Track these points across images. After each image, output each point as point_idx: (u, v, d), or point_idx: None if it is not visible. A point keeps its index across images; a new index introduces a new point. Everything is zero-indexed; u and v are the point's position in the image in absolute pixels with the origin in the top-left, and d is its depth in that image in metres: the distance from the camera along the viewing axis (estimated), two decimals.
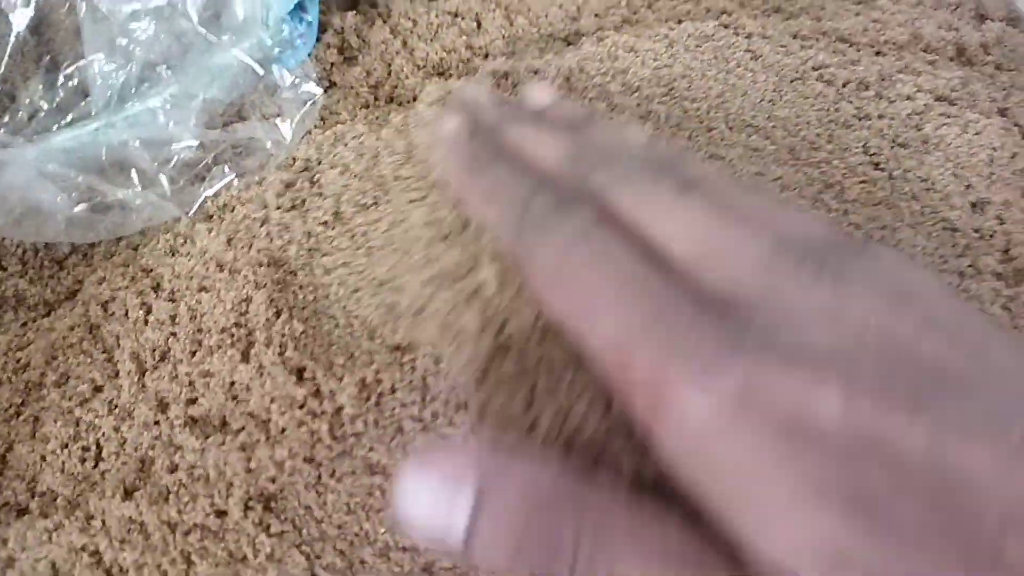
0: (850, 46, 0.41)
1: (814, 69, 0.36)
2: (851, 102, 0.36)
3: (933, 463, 0.15)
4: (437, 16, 0.45)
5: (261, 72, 0.38)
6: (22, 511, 0.28)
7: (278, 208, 0.32)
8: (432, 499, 0.18)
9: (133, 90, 0.37)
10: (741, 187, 0.21)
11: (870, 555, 0.15)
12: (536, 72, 0.38)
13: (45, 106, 0.38)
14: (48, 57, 0.39)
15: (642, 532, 0.18)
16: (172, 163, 0.36)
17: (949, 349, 0.17)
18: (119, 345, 0.31)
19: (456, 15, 0.45)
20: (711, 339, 0.17)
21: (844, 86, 0.37)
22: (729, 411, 0.16)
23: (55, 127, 0.37)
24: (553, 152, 0.23)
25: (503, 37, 0.44)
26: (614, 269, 0.19)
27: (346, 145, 0.35)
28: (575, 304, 0.19)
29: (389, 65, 0.43)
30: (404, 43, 0.44)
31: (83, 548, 0.26)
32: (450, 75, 0.43)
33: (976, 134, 0.36)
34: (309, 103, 0.38)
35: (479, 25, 0.45)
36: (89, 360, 0.32)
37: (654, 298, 0.19)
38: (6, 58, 0.38)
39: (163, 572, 0.26)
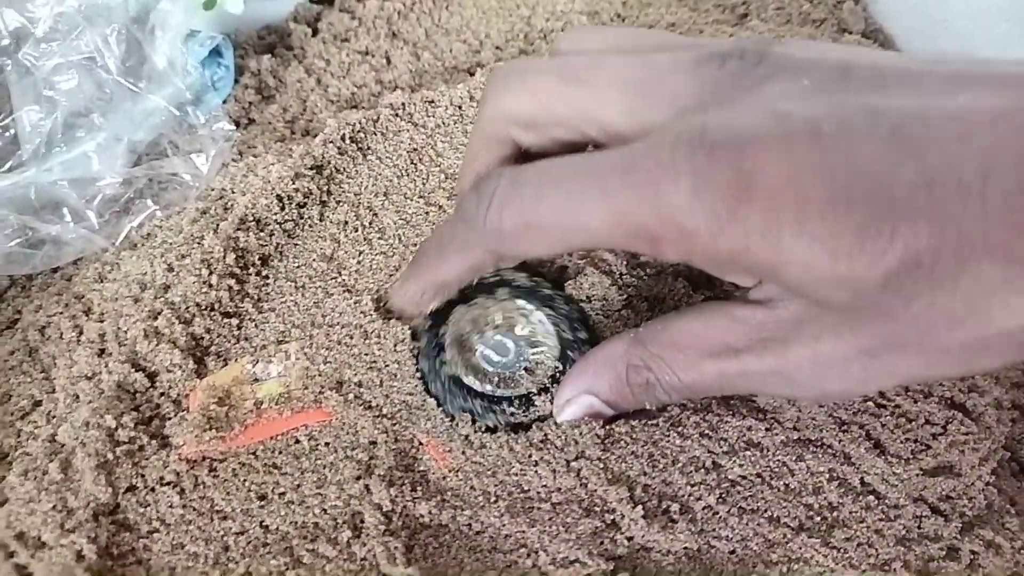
0: None
1: None
2: None
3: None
4: (348, 55, 0.49)
5: (179, 115, 0.41)
6: None
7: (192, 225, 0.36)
8: (580, 412, 0.30)
9: (60, 136, 0.40)
10: None
11: None
12: (431, 102, 0.42)
13: None
14: None
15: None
16: (98, 199, 0.39)
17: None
18: (55, 364, 0.34)
19: (367, 53, 0.49)
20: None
21: None
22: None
23: None
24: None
25: (410, 71, 0.48)
26: (559, 187, 0.24)
27: (257, 175, 0.38)
28: (564, 239, 0.25)
29: (304, 102, 0.47)
30: (318, 81, 0.48)
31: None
32: (362, 107, 0.47)
33: None
34: (224, 139, 0.41)
35: (388, 61, 0.49)
36: (29, 379, 0.35)
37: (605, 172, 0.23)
38: None
39: None
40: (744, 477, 0.31)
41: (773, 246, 0.21)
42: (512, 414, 0.31)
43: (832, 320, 0.23)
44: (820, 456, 0.31)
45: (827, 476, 0.31)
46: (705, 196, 0.21)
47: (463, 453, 0.30)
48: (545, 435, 0.31)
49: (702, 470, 0.30)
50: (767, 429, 0.32)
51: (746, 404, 0.32)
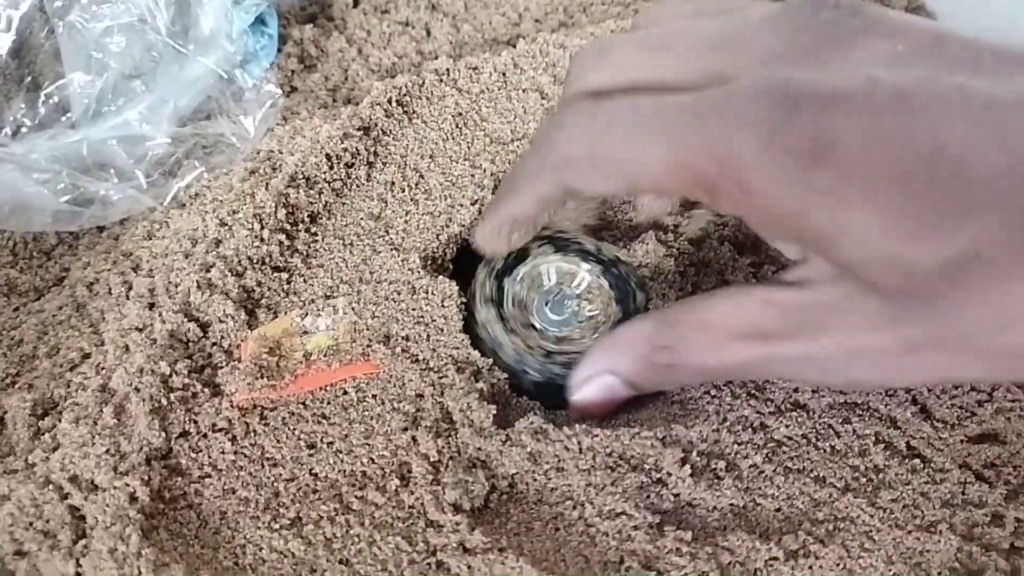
0: None
1: None
2: None
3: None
4: (389, 26, 0.49)
5: (226, 79, 0.42)
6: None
7: (242, 183, 0.36)
8: (597, 393, 0.29)
9: (110, 98, 0.40)
10: None
11: None
12: (475, 68, 0.42)
13: (28, 123, 0.41)
14: (29, 78, 0.43)
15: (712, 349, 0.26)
16: (147, 159, 0.39)
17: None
18: (104, 318, 0.35)
19: (407, 24, 0.50)
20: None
21: None
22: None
23: (39, 141, 0.41)
24: None
25: (450, 43, 0.49)
26: (629, 122, 0.23)
27: (304, 136, 0.38)
28: (615, 169, 0.24)
29: (346, 71, 0.47)
30: (359, 51, 0.48)
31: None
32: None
33: None
34: (270, 103, 0.42)
35: (428, 33, 0.49)
36: (77, 333, 0.35)
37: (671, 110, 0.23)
38: None
39: None
40: (790, 438, 0.31)
41: (835, 213, 0.20)
42: (566, 370, 0.31)
43: (874, 308, 0.22)
44: (866, 419, 0.31)
45: (873, 439, 0.31)
46: (776, 151, 0.20)
47: (507, 414, 0.31)
48: None
49: (749, 429, 0.31)
50: (813, 391, 0.32)
51: None
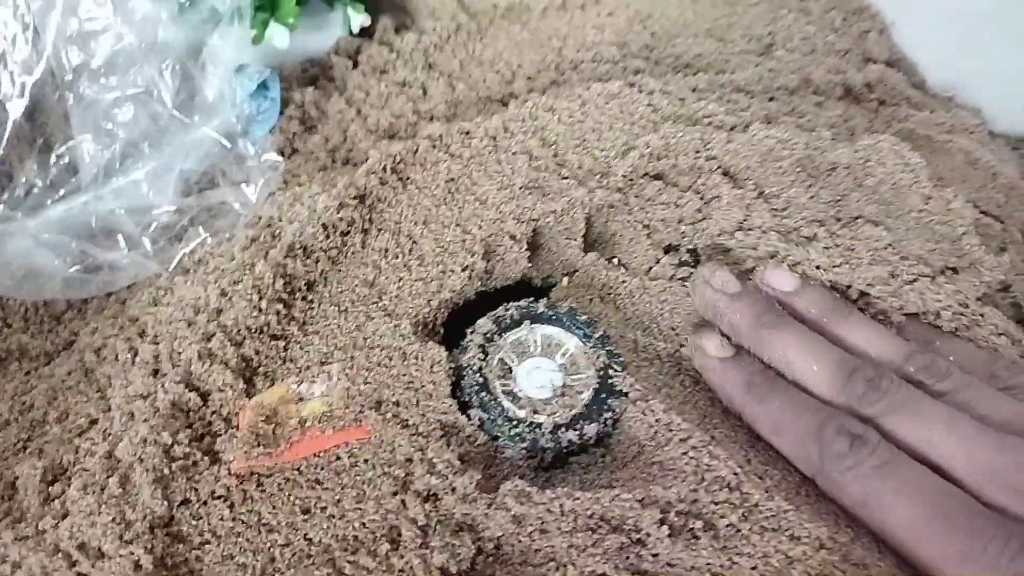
0: (744, 94, 0.47)
1: (705, 117, 0.42)
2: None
3: None
4: (387, 87, 0.51)
5: (229, 145, 0.44)
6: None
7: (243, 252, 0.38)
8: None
9: (118, 165, 0.42)
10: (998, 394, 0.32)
11: None
12: (467, 133, 0.43)
13: (39, 183, 0.43)
14: (41, 140, 0.44)
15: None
16: (153, 227, 0.41)
17: None
18: (111, 384, 0.37)
19: (404, 84, 0.51)
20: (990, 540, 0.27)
21: (732, 129, 0.42)
22: None
23: (49, 202, 0.43)
24: (817, 381, 0.33)
25: (446, 102, 0.50)
26: (920, 496, 0.28)
27: (302, 204, 0.40)
28: (890, 526, 0.29)
29: (345, 132, 0.49)
30: (358, 112, 0.50)
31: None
32: (399, 137, 0.49)
33: None
34: (271, 169, 0.43)
35: (425, 92, 0.51)
36: (86, 399, 0.37)
37: (958, 517, 0.28)
38: (4, 142, 0.43)
39: None
40: (767, 496, 0.32)
41: None
42: (544, 440, 0.33)
43: None
44: None
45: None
46: None
47: (493, 477, 0.32)
48: (571, 466, 0.33)
49: (725, 489, 0.32)
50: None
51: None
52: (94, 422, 0.36)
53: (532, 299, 0.37)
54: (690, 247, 0.39)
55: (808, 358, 0.33)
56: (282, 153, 0.47)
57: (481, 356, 0.34)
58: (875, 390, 0.31)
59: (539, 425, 0.33)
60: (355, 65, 0.52)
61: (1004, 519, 0.27)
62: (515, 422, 0.33)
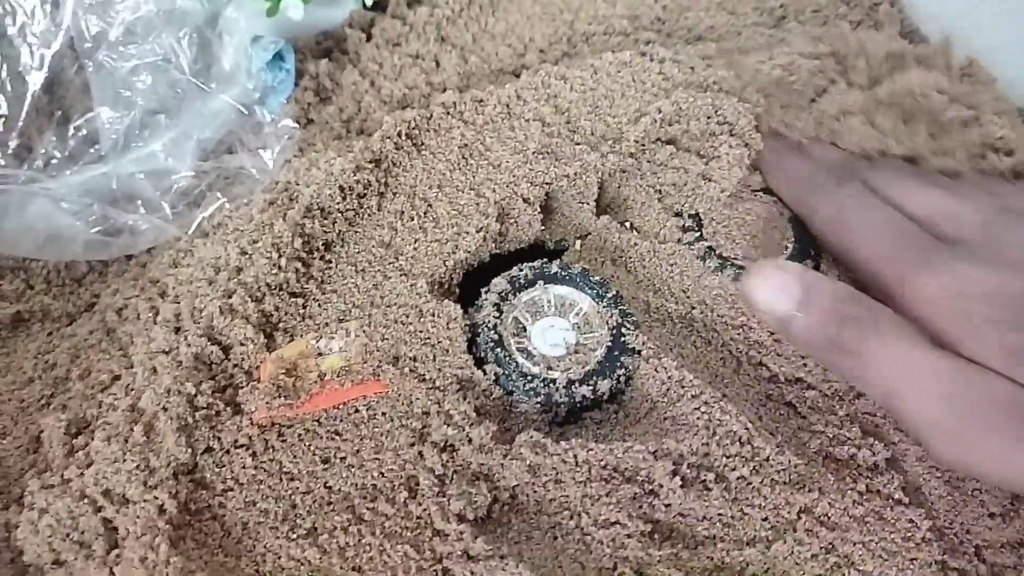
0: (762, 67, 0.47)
1: (714, 83, 0.42)
2: None
3: None
4: (400, 59, 0.51)
5: (246, 113, 0.44)
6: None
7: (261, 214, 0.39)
8: (774, 290, 0.31)
9: (137, 132, 0.43)
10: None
11: None
12: (480, 101, 0.44)
13: (58, 155, 0.44)
14: (60, 112, 0.45)
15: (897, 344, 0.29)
16: (172, 191, 0.42)
17: None
18: (132, 342, 0.37)
19: (417, 57, 0.52)
20: (941, 254, 0.31)
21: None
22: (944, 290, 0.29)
23: (68, 172, 0.43)
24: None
25: (458, 74, 0.51)
26: (878, 217, 0.33)
27: (319, 168, 0.41)
28: (848, 238, 0.34)
29: (359, 103, 0.50)
30: (372, 83, 0.50)
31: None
32: (412, 107, 0.49)
33: None
34: (287, 136, 0.44)
35: (437, 64, 0.52)
36: (108, 356, 0.38)
37: (905, 234, 0.32)
38: (23, 115, 0.43)
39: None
40: (778, 450, 0.32)
41: None
42: (558, 395, 0.33)
43: None
44: (852, 426, 0.33)
45: (857, 447, 0.33)
46: None
47: (509, 430, 0.33)
48: (584, 421, 0.33)
49: (737, 443, 0.32)
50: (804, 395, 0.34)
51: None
52: (116, 378, 0.37)
53: (546, 260, 0.37)
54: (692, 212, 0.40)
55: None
56: (298, 123, 0.48)
57: (496, 314, 0.35)
58: (867, 166, 0.37)
59: (553, 380, 0.34)
60: (368, 38, 0.53)
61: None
62: (529, 377, 0.34)
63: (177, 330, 0.36)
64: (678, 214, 0.41)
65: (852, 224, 0.34)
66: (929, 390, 0.28)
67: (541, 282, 0.36)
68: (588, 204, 0.41)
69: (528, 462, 0.31)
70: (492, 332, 0.35)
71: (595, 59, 0.45)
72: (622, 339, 0.35)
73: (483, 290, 0.36)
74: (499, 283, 0.36)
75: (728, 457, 0.32)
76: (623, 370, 0.34)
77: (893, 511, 0.31)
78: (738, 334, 0.37)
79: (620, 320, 0.35)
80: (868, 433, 0.34)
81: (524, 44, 0.52)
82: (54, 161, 0.44)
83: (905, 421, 0.30)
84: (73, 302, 0.41)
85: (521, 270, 0.37)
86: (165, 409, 0.32)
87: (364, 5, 0.54)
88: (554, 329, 0.35)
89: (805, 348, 0.34)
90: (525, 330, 0.35)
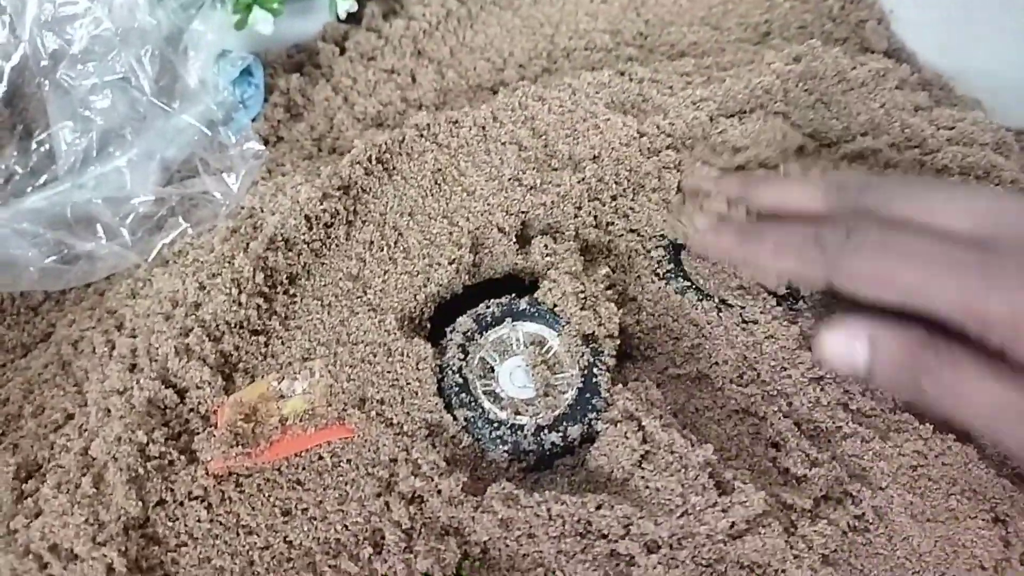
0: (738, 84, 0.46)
1: (693, 103, 0.41)
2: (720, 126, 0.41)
3: None
4: (375, 74, 0.50)
5: (209, 133, 0.42)
6: None
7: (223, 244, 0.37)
8: (842, 348, 0.29)
9: (95, 154, 0.41)
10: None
11: None
12: (455, 123, 0.42)
13: (19, 170, 0.42)
14: (21, 126, 0.43)
15: (979, 383, 0.27)
16: (131, 217, 0.40)
17: None
18: (88, 378, 0.36)
19: (392, 71, 0.50)
20: (996, 270, 0.27)
21: (731, 116, 0.41)
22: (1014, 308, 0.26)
23: (29, 189, 0.41)
24: (811, 200, 0.33)
25: (435, 90, 0.49)
26: (911, 251, 0.29)
27: (285, 194, 0.39)
28: (892, 287, 0.29)
29: (331, 120, 0.48)
30: (345, 99, 0.49)
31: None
32: (387, 125, 0.48)
33: None
34: (254, 158, 0.42)
35: (413, 79, 0.50)
36: (62, 392, 0.36)
37: (950, 262, 0.28)
38: None
39: None
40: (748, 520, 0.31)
41: None
42: (526, 443, 0.32)
43: None
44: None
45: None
46: None
47: (480, 479, 0.31)
48: (557, 468, 0.32)
49: (714, 517, 0.31)
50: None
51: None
52: (70, 417, 0.35)
53: (514, 296, 0.36)
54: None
55: (796, 186, 0.34)
56: (266, 141, 0.46)
57: (461, 356, 0.34)
58: (869, 186, 0.32)
59: (521, 427, 0.32)
60: (342, 51, 0.51)
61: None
62: (496, 424, 0.32)
63: (133, 367, 0.34)
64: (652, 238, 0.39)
65: (888, 272, 0.29)
66: (1018, 431, 0.27)
67: (509, 319, 0.35)
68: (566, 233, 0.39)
69: (500, 516, 0.30)
70: (457, 376, 0.33)
71: (573, 78, 0.43)
72: (594, 380, 0.33)
73: (448, 330, 0.35)
74: (464, 322, 0.35)
75: (706, 535, 0.30)
76: (594, 413, 0.33)
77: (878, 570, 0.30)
78: (728, 370, 0.35)
79: (592, 360, 0.34)
80: (855, 478, 0.32)
81: (503, 58, 0.51)
82: (15, 176, 0.42)
83: (1014, 457, 0.31)
84: (28, 332, 0.40)
85: (488, 307, 0.35)
86: (115, 459, 0.31)
87: (338, 17, 0.52)
88: (522, 369, 0.34)
89: (899, 397, 0.34)
90: (493, 371, 0.34)
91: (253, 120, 0.47)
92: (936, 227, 0.29)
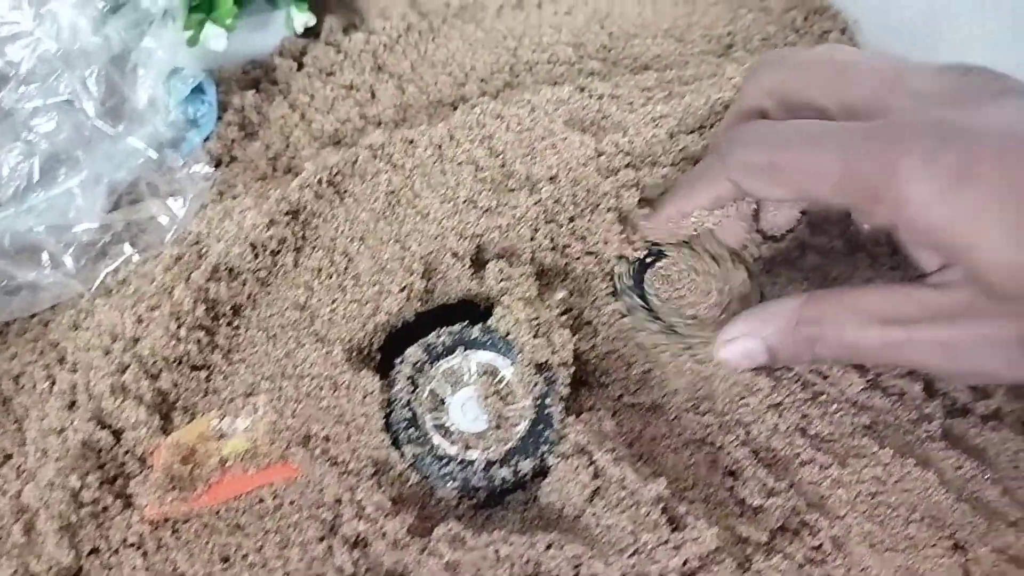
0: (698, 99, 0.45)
1: (652, 120, 0.40)
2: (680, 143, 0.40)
3: None
4: (333, 90, 0.48)
5: (155, 156, 0.41)
6: None
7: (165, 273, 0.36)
8: (739, 355, 0.32)
9: (38, 178, 0.40)
10: None
11: None
12: (411, 142, 0.41)
13: None
14: None
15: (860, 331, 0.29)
16: (75, 244, 0.39)
17: None
18: (28, 415, 0.34)
19: (351, 87, 0.49)
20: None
21: (691, 133, 0.40)
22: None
23: None
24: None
25: (395, 106, 0.48)
26: (806, 132, 0.29)
27: (232, 220, 0.38)
28: (790, 177, 0.29)
29: (287, 138, 0.47)
30: (302, 116, 0.48)
31: None
32: (345, 143, 0.46)
33: None
34: (203, 180, 0.41)
35: (373, 95, 0.49)
36: (2, 430, 0.35)
37: (843, 134, 0.28)
38: None
39: None
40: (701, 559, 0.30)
41: (973, 227, 0.25)
42: (476, 479, 0.31)
43: (998, 309, 0.26)
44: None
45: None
46: (932, 170, 0.25)
47: (428, 519, 0.30)
48: (508, 504, 0.31)
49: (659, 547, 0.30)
50: None
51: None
52: (8, 457, 0.34)
53: (467, 323, 0.34)
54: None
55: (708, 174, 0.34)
56: (220, 162, 0.45)
57: (410, 389, 0.32)
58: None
59: (471, 463, 0.31)
60: (300, 67, 0.50)
61: None
62: (445, 460, 0.31)
63: (72, 405, 0.33)
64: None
65: (774, 156, 0.30)
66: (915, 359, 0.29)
67: (461, 348, 0.34)
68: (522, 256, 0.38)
69: (446, 559, 0.29)
70: (405, 410, 0.32)
71: (533, 94, 0.42)
72: (546, 411, 0.32)
73: (397, 361, 0.33)
74: (414, 353, 0.33)
75: (658, 574, 0.29)
76: (547, 446, 0.32)
77: None
78: (681, 400, 0.34)
79: (545, 389, 0.33)
80: (812, 507, 0.32)
81: (465, 73, 0.50)
82: None
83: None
84: None
85: (439, 336, 0.34)
86: (47, 506, 0.29)
87: (295, 32, 0.51)
88: (474, 400, 0.33)
89: (799, 365, 0.35)
90: (443, 403, 0.33)
91: (206, 139, 0.46)
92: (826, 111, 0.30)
